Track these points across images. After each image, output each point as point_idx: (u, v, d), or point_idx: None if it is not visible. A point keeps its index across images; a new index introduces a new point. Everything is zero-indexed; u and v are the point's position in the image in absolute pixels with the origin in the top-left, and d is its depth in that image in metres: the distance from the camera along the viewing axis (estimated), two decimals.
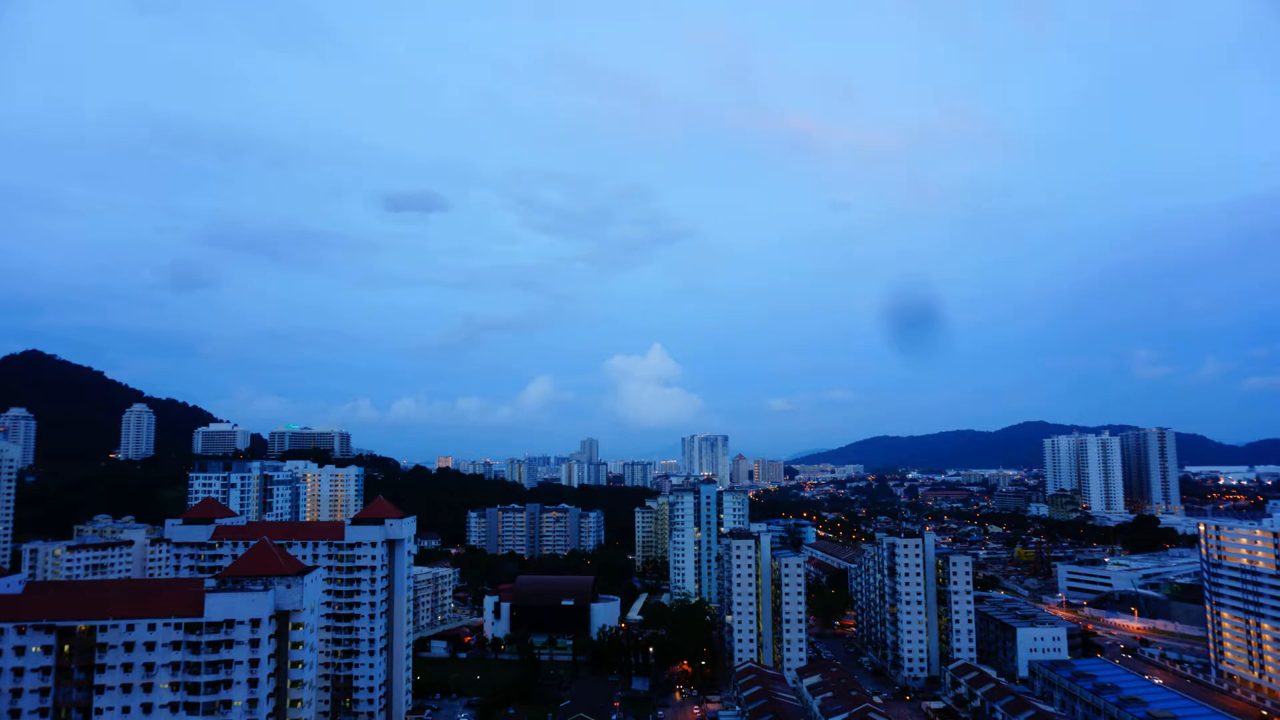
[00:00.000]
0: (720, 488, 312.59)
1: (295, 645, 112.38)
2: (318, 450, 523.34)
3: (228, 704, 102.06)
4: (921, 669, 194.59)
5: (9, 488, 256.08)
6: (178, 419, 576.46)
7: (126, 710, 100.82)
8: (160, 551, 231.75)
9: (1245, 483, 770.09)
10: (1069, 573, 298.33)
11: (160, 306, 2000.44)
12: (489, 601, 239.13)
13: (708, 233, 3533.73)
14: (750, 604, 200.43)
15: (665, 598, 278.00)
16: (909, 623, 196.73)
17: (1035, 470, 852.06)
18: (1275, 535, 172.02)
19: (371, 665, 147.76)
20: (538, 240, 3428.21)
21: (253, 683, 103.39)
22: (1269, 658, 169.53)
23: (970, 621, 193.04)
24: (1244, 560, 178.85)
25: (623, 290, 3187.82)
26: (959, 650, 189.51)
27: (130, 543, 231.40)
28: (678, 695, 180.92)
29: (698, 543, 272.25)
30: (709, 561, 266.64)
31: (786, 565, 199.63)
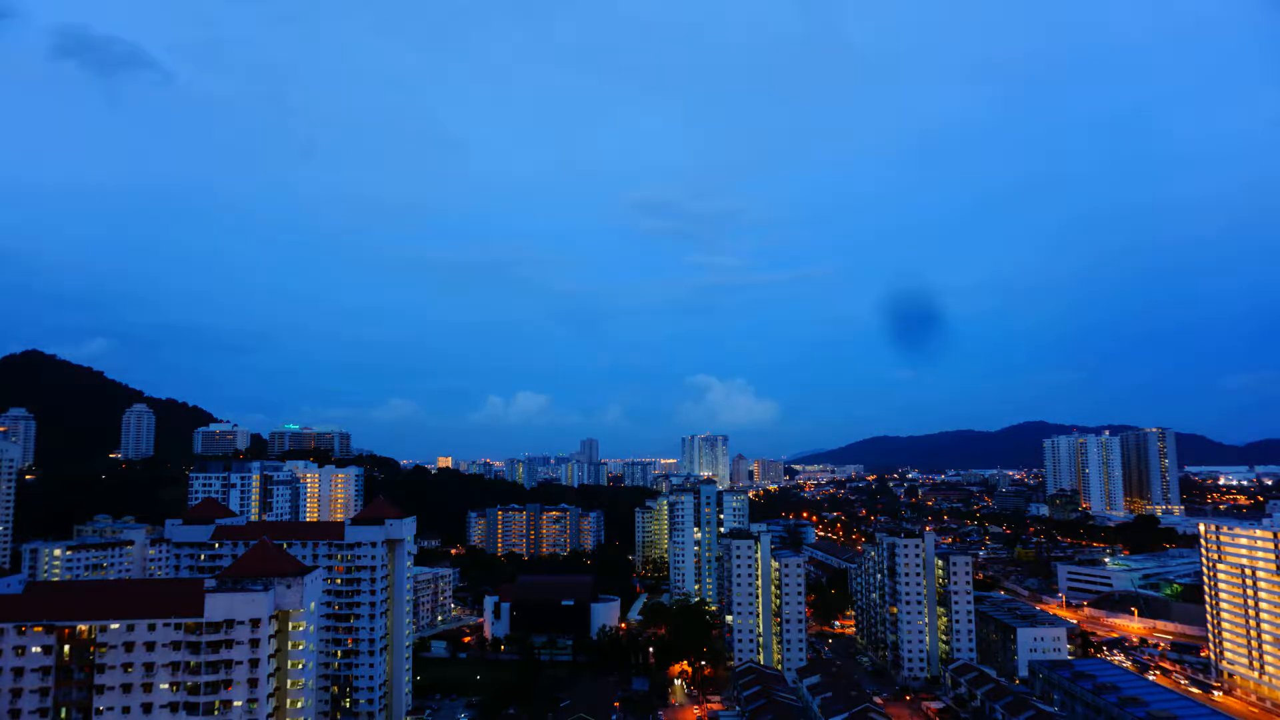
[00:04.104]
0: (720, 488, 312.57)
1: (295, 645, 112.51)
2: (318, 450, 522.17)
3: (228, 704, 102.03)
4: (921, 669, 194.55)
5: (9, 488, 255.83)
6: (178, 419, 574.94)
7: (126, 710, 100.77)
8: (160, 551, 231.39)
9: (1245, 483, 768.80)
10: (1069, 573, 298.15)
11: (161, 306, 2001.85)
12: (489, 601, 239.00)
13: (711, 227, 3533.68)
14: (750, 604, 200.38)
15: (665, 598, 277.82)
16: (909, 623, 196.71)
17: (1035, 470, 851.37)
18: (1275, 536, 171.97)
19: (371, 665, 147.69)
20: (531, 239, 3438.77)
21: (253, 683, 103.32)
22: (1269, 658, 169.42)
23: (970, 621, 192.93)
24: (1244, 560, 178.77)
25: (621, 288, 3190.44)
26: (959, 650, 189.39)
27: (130, 543, 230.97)
28: (678, 695, 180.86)
29: (698, 543, 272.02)
30: (709, 561, 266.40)
31: (786, 565, 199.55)
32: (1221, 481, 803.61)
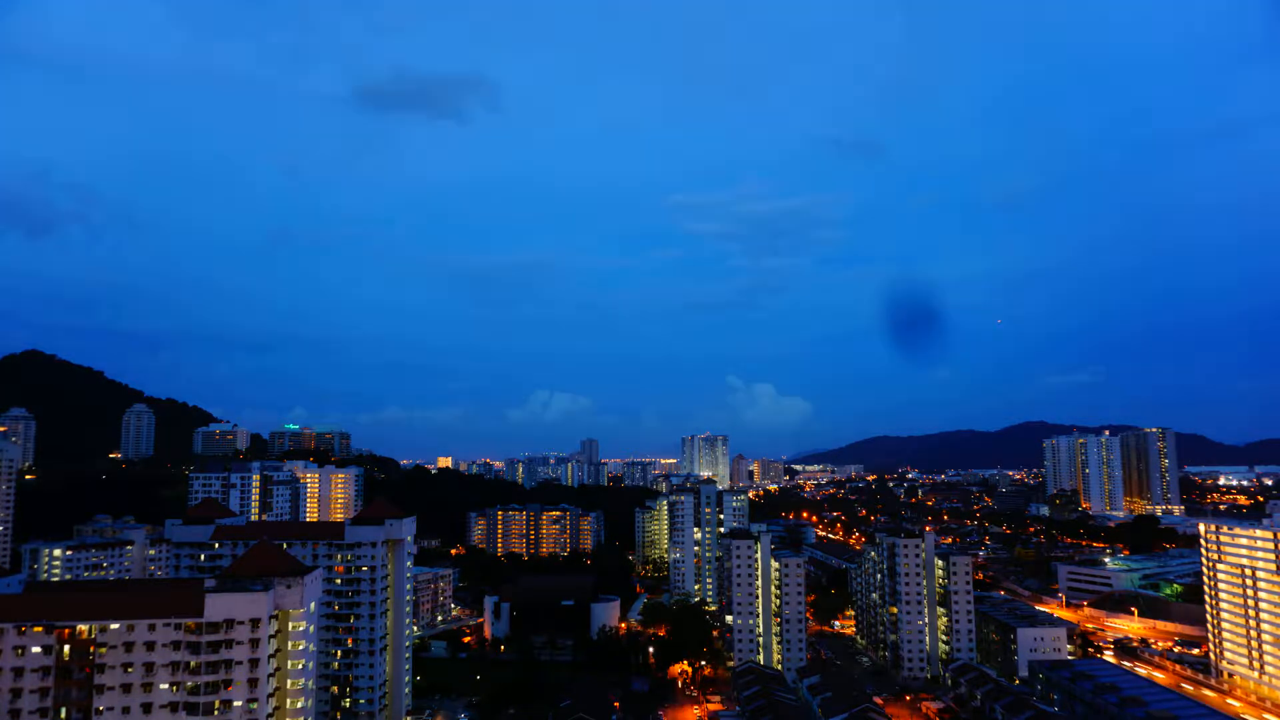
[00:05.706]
0: (720, 488, 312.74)
1: (295, 645, 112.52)
2: (318, 450, 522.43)
3: (228, 704, 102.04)
4: (921, 669, 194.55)
5: (9, 488, 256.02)
6: (178, 419, 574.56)
7: (126, 710, 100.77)
8: (160, 552, 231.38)
9: (1245, 483, 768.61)
10: (1069, 573, 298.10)
11: (161, 306, 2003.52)
12: (489, 601, 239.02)
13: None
14: (750, 604, 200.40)
15: (665, 598, 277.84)
16: (909, 623, 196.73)
17: (1035, 470, 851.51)
18: (1275, 536, 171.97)
19: (371, 665, 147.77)
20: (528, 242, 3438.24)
21: (253, 683, 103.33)
22: (1269, 658, 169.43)
23: (970, 621, 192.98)
24: (1244, 561, 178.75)
25: (649, 291, 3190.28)
26: (959, 650, 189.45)
27: (130, 543, 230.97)
28: (678, 695, 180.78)
29: (698, 543, 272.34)
30: (709, 561, 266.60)
31: (786, 565, 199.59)
32: (1221, 481, 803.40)
